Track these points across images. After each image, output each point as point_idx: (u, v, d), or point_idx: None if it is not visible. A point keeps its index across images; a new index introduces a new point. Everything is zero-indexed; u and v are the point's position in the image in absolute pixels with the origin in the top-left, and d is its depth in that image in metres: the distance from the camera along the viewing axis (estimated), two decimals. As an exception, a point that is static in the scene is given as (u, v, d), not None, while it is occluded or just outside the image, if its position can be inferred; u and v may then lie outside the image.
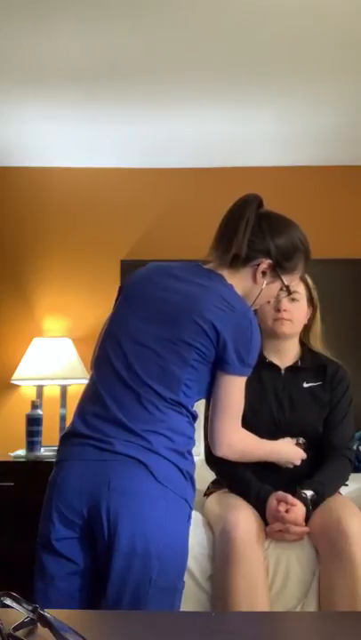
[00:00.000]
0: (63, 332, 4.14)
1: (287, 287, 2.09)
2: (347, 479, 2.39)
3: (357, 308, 4.05)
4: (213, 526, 2.27)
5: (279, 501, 2.21)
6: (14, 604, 1.01)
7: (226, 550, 2.13)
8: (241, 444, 2.04)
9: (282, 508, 2.19)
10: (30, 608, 0.99)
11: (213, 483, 2.51)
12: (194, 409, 1.94)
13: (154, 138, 3.87)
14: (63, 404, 3.96)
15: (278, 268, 2.02)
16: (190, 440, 1.91)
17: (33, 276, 4.23)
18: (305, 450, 2.30)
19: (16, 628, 0.95)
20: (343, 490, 2.41)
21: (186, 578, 1.90)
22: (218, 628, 1.07)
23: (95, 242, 4.25)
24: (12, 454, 3.69)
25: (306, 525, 2.21)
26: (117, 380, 1.88)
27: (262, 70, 3.14)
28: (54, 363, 3.87)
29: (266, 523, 2.23)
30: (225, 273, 1.99)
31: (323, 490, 2.26)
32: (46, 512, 1.84)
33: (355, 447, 2.80)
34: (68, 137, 3.89)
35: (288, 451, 2.27)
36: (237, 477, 2.30)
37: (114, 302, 2.05)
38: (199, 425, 2.05)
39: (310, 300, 2.45)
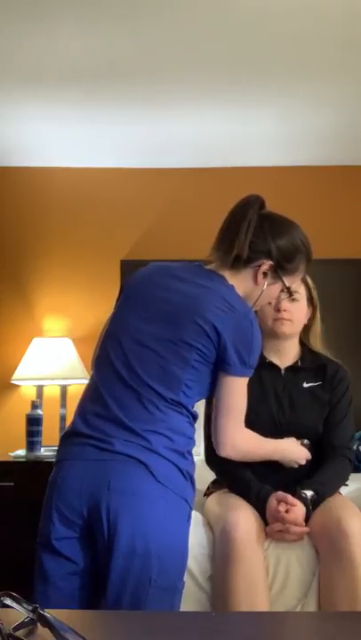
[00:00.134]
0: (63, 331, 4.14)
1: (288, 288, 2.09)
2: (347, 479, 2.39)
3: (357, 308, 4.05)
4: (213, 526, 2.27)
5: (279, 501, 2.21)
6: (14, 604, 1.01)
7: (226, 550, 2.13)
8: (245, 444, 2.04)
9: (282, 508, 2.20)
10: (30, 608, 0.99)
11: (213, 483, 2.51)
12: (194, 409, 1.95)
13: (154, 138, 3.87)
14: (63, 403, 3.96)
15: (279, 270, 2.02)
16: (190, 440, 1.91)
17: (33, 276, 4.23)
18: (309, 451, 2.30)
19: (16, 628, 0.95)
20: (343, 490, 2.41)
21: (186, 578, 1.91)
22: (218, 628, 1.07)
23: (95, 242, 4.25)
24: (12, 454, 3.69)
25: (306, 525, 2.21)
26: (118, 379, 1.89)
27: (262, 70, 3.14)
28: (54, 363, 3.87)
29: (266, 523, 2.23)
30: (226, 274, 1.99)
31: (323, 490, 2.26)
32: (46, 512, 1.84)
33: (355, 447, 2.80)
34: (68, 137, 3.89)
35: (293, 450, 2.27)
36: (237, 477, 2.30)
37: (115, 302, 2.05)
38: (199, 425, 2.05)
39: (310, 300, 2.45)
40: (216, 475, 2.45)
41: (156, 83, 3.27)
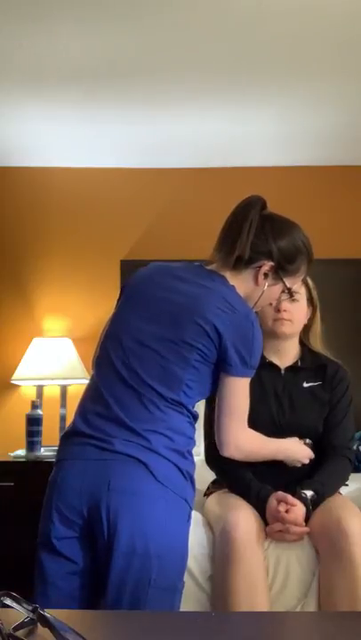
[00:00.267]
0: (63, 331, 4.14)
1: (289, 289, 2.09)
2: (347, 479, 2.39)
3: (357, 308, 4.05)
4: (213, 526, 2.27)
5: (279, 501, 2.21)
6: (14, 604, 1.01)
7: (226, 550, 2.13)
8: (248, 444, 2.04)
9: (282, 508, 2.20)
10: (30, 608, 0.99)
11: (213, 483, 2.51)
12: (195, 409, 1.95)
13: (154, 138, 3.88)
14: (63, 404, 3.96)
15: (280, 271, 2.02)
16: (190, 440, 1.91)
17: (33, 276, 4.23)
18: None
19: (16, 628, 0.95)
20: (343, 490, 2.41)
21: (186, 578, 1.91)
22: (218, 628, 1.07)
23: (95, 242, 4.25)
24: (11, 454, 3.69)
25: (306, 525, 2.21)
26: (118, 379, 1.89)
27: (262, 70, 3.14)
28: (54, 363, 3.87)
29: (266, 523, 2.23)
30: (227, 274, 1.99)
31: (323, 490, 2.26)
32: (46, 511, 1.84)
33: (355, 447, 2.80)
34: (68, 137, 3.89)
35: (296, 449, 2.27)
36: (237, 477, 2.30)
37: (116, 302, 2.06)
38: (199, 425, 2.05)
39: (310, 300, 2.45)
40: (216, 475, 2.45)
41: (156, 83, 3.27)
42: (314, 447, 2.33)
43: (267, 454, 2.19)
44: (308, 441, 2.32)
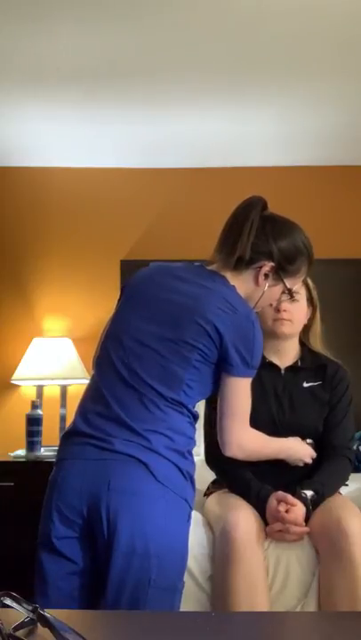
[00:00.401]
0: (63, 331, 4.14)
1: (289, 290, 2.09)
2: (347, 479, 2.39)
3: (357, 308, 4.05)
4: (213, 526, 2.27)
5: (279, 501, 2.21)
6: (14, 604, 1.01)
7: (226, 550, 2.13)
8: (251, 443, 2.05)
9: (282, 508, 2.20)
10: (30, 608, 0.99)
11: (213, 483, 2.51)
12: (195, 409, 1.95)
13: (154, 138, 3.87)
14: (63, 404, 3.96)
15: (281, 271, 2.02)
16: (191, 440, 1.91)
17: (33, 276, 4.23)
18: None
19: (16, 628, 0.95)
20: (343, 490, 2.41)
21: (186, 578, 1.91)
22: (218, 628, 1.07)
23: (95, 242, 4.25)
24: (11, 454, 3.69)
25: (306, 525, 2.21)
26: (119, 379, 1.89)
27: (262, 70, 3.14)
28: (54, 363, 3.87)
29: (266, 523, 2.23)
30: (228, 275, 1.99)
31: (323, 490, 2.26)
32: (46, 511, 1.84)
33: (355, 447, 2.80)
34: (68, 137, 3.89)
35: (298, 449, 2.27)
36: (237, 477, 2.30)
37: (116, 302, 2.06)
38: (199, 425, 2.05)
39: (310, 300, 2.45)
40: (216, 475, 2.45)
41: (156, 83, 3.27)
42: (315, 447, 2.33)
43: (269, 453, 2.20)
44: (309, 441, 2.32)
